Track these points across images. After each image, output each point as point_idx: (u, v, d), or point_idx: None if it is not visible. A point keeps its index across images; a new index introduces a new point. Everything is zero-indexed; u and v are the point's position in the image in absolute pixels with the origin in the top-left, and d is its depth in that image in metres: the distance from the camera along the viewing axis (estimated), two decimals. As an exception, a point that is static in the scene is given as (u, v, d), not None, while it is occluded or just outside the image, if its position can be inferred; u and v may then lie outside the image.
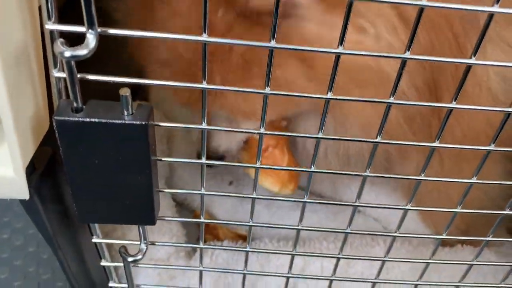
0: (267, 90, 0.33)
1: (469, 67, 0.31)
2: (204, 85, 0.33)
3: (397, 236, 0.44)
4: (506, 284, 0.51)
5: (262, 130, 0.36)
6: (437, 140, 0.36)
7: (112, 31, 0.30)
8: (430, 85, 0.49)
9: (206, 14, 0.29)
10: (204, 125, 0.35)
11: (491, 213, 0.43)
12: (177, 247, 0.59)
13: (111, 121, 0.32)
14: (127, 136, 0.33)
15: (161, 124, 0.35)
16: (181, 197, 0.74)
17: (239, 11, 0.45)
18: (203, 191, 0.41)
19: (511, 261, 0.61)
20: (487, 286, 0.51)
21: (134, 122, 0.32)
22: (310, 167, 0.38)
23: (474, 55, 0.30)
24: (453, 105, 0.33)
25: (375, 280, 0.48)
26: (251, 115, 0.51)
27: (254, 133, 0.36)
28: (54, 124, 0.32)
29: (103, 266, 0.48)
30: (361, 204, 0.41)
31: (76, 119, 0.32)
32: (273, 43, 0.30)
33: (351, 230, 0.43)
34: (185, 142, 0.77)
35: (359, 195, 0.40)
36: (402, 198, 0.70)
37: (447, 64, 0.49)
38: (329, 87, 0.32)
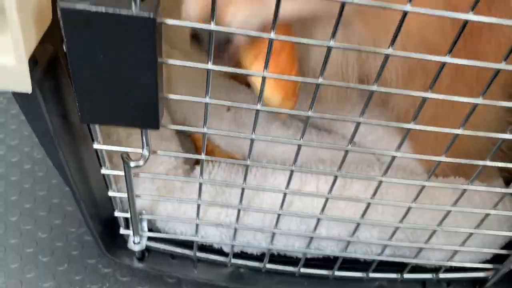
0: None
1: None
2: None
3: (394, 155, 0.45)
4: (495, 211, 0.52)
5: (272, 35, 0.35)
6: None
7: None
8: None
9: None
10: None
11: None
12: (176, 164, 0.59)
13: (117, 12, 0.31)
14: (133, 30, 0.32)
15: (169, 22, 0.34)
16: (178, 120, 0.73)
17: None
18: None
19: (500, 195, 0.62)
20: (476, 212, 0.53)
21: (141, 15, 0.31)
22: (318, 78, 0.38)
23: None
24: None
25: (370, 200, 0.49)
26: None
27: (265, 36, 0.35)
28: (59, 12, 0.31)
29: (103, 175, 0.49)
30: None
31: (82, 7, 0.31)
32: None
33: (351, 147, 0.44)
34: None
35: (363, 111, 0.40)
36: (397, 130, 0.70)
37: None
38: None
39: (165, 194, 0.57)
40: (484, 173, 0.48)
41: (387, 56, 0.35)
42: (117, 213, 0.53)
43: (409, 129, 0.42)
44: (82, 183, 0.48)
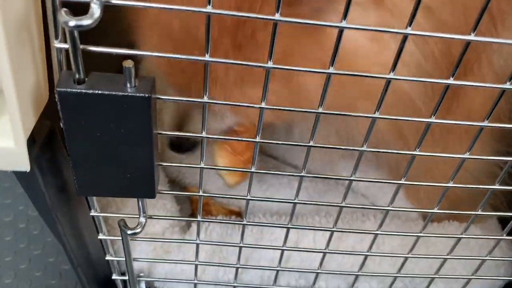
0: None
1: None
2: (207, 58, 0.33)
3: (390, 210, 0.46)
4: (492, 257, 0.53)
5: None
6: (433, 115, 0.37)
7: (116, 1, 0.29)
8: None
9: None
10: (206, 99, 0.36)
11: (481, 187, 0.44)
12: (172, 222, 0.60)
13: (114, 93, 0.32)
14: (129, 108, 0.33)
15: (163, 97, 0.35)
16: (173, 174, 0.74)
17: None
18: (202, 165, 0.41)
19: (495, 235, 0.63)
20: (473, 259, 0.53)
21: (137, 95, 0.32)
22: (309, 142, 0.39)
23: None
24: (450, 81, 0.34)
25: (367, 253, 0.50)
26: (242, 113, 0.52)
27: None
28: (56, 95, 0.32)
29: (100, 240, 0.49)
30: (357, 179, 0.42)
31: (79, 90, 0.32)
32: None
33: (345, 204, 0.44)
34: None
35: (355, 170, 0.41)
36: (387, 175, 0.71)
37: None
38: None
39: (162, 253, 0.57)
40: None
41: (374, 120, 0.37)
42: (115, 276, 0.53)
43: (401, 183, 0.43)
44: (79, 249, 0.48)
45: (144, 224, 0.43)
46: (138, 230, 0.42)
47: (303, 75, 0.47)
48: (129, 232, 0.42)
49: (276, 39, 0.31)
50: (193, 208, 0.70)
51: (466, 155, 0.41)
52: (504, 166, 0.43)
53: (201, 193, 0.44)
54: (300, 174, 0.42)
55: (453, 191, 0.47)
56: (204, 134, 0.38)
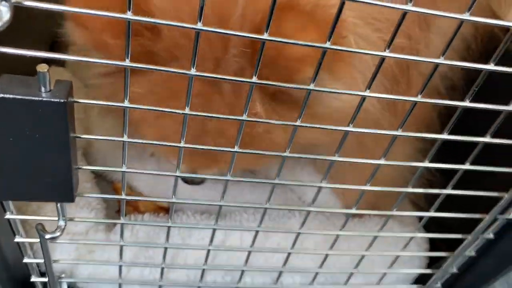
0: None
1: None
2: (127, 62, 0.32)
3: (312, 210, 0.47)
4: (406, 252, 0.57)
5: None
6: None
7: (28, 2, 0.28)
8: None
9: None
10: (126, 103, 0.35)
11: (397, 190, 0.47)
12: (97, 218, 0.58)
13: (27, 97, 0.31)
14: (44, 113, 0.32)
15: (81, 101, 0.34)
16: (100, 171, 0.72)
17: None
18: (124, 169, 0.41)
19: (412, 230, 0.67)
20: (389, 255, 0.56)
21: (52, 100, 0.31)
22: (234, 147, 0.39)
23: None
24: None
25: (290, 251, 0.51)
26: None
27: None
28: (-36, 98, 0.30)
29: (17, 243, 0.47)
30: (280, 182, 0.43)
31: (-10, 94, 0.30)
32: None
33: (270, 205, 0.45)
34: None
35: (278, 173, 0.42)
36: (316, 171, 0.73)
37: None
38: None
39: (86, 253, 0.56)
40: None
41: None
42: (34, 278, 0.51)
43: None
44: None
45: (64, 228, 0.42)
46: (57, 234, 0.41)
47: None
48: (47, 236, 0.41)
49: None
50: (119, 213, 0.69)
51: (382, 161, 0.43)
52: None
53: (123, 196, 0.43)
54: (226, 178, 0.42)
55: (380, 179, 0.49)
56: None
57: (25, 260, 0.48)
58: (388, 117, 0.58)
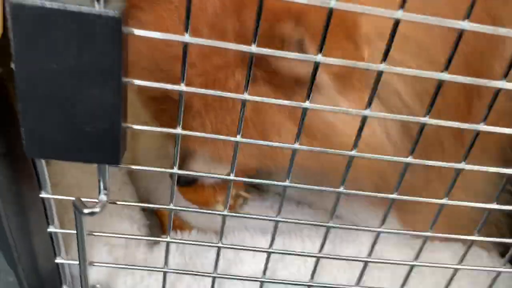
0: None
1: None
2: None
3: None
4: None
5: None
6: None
7: None
8: None
9: None
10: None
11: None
12: (139, 233, 0.52)
13: (77, 9, 0.27)
14: (97, 31, 0.28)
15: (136, 31, 0.30)
16: (143, 196, 0.67)
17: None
18: (172, 206, 0.37)
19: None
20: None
21: (108, 14, 0.27)
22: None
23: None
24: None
25: (367, 259, 0.43)
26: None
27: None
28: (9, 9, 0.27)
29: (50, 236, 0.41)
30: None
31: (38, 3, 0.27)
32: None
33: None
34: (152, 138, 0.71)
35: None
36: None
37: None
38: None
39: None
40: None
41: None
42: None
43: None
44: (24, 245, 0.40)
45: (105, 204, 0.36)
46: (97, 210, 0.35)
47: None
48: (85, 211, 0.35)
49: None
50: (163, 230, 0.63)
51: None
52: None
53: (171, 206, 0.37)
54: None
55: (450, 213, 0.42)
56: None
57: (57, 260, 0.42)
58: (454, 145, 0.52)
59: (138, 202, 0.61)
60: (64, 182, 0.54)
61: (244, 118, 0.32)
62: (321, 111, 0.43)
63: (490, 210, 0.41)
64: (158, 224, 0.61)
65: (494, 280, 0.47)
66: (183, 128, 0.33)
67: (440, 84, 0.30)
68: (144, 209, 0.60)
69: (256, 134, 0.45)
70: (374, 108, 0.32)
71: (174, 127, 0.33)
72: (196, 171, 0.49)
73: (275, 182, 0.38)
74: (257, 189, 0.68)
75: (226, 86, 0.43)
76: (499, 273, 0.46)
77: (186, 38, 0.29)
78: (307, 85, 0.31)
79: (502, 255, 0.63)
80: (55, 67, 0.29)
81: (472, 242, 0.44)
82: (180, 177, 0.52)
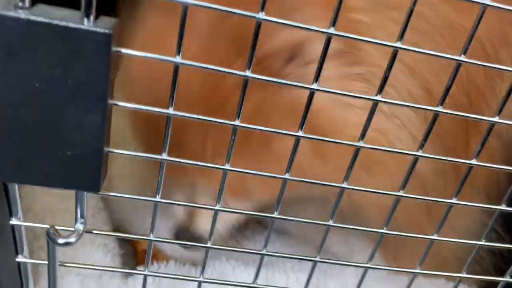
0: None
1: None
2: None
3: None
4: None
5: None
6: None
7: None
8: None
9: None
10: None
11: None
12: (113, 263, 0.49)
13: (65, 24, 0.25)
14: (84, 48, 0.26)
15: (124, 50, 0.28)
16: (117, 222, 0.63)
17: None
18: (151, 237, 0.35)
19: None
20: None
21: (97, 30, 0.25)
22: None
23: None
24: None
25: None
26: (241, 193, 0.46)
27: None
28: (-12, 22, 0.25)
29: (18, 266, 0.38)
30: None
31: (22, 16, 0.25)
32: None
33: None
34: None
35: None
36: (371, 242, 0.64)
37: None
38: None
39: (97, 299, 0.46)
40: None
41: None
42: (30, 324, 0.41)
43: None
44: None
45: (81, 234, 0.33)
46: (72, 240, 0.32)
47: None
48: (60, 241, 0.32)
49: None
50: (137, 259, 0.60)
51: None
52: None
53: (152, 238, 0.35)
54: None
55: (435, 250, 0.41)
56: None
57: (25, 292, 0.39)
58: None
59: (113, 229, 0.58)
60: (35, 208, 0.50)
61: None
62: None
63: (479, 246, 0.40)
64: (131, 251, 0.58)
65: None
66: (183, 152, 0.31)
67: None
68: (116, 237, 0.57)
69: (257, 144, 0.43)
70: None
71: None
72: (179, 201, 0.46)
73: (262, 214, 0.36)
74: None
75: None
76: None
77: (178, 59, 0.28)
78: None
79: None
80: (37, 86, 0.27)
81: (460, 279, 0.43)
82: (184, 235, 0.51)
